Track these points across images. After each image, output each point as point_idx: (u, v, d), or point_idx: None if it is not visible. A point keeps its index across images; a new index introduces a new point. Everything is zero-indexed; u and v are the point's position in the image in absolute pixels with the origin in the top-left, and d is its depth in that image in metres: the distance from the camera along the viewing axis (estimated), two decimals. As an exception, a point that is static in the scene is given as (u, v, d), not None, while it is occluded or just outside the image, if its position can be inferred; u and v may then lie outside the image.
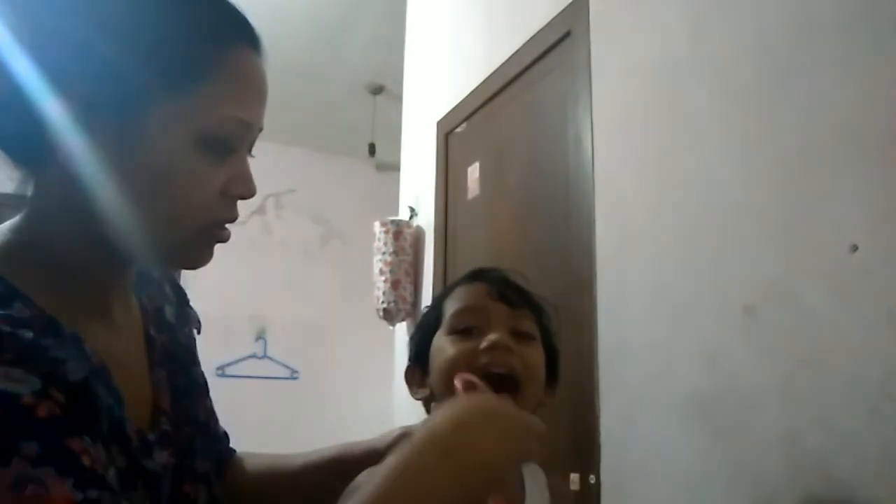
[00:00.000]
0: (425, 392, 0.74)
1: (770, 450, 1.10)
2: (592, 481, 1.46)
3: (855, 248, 1.01)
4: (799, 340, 1.08)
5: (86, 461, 0.43)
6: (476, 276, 0.76)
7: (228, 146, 0.56)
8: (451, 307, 0.72)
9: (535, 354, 0.71)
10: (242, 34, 0.57)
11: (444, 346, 0.69)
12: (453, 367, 0.66)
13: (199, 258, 0.58)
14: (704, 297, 1.27)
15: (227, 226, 0.59)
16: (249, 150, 0.61)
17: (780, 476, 1.08)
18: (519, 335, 0.70)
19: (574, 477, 1.53)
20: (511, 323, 0.70)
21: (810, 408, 1.05)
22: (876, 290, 0.98)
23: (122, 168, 0.53)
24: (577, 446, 1.55)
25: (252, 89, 0.57)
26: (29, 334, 0.45)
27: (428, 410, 0.75)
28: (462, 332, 0.68)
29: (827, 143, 1.07)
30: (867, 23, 1.04)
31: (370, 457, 0.75)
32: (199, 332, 0.74)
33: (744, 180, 1.22)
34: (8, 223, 0.56)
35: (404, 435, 0.77)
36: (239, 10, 0.58)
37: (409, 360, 0.78)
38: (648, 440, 1.36)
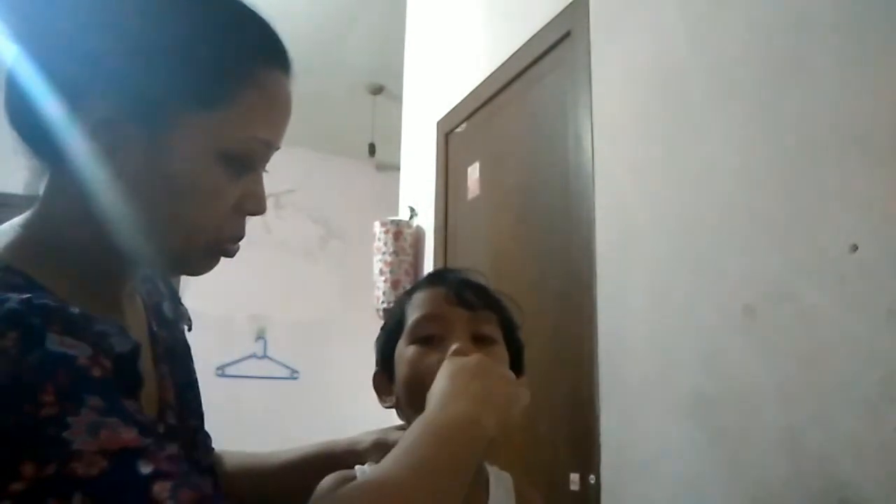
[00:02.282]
0: (392, 400, 0.75)
1: (770, 450, 1.10)
2: (592, 481, 1.46)
3: (855, 248, 1.01)
4: (799, 340, 1.08)
5: (140, 418, 0.46)
6: (435, 279, 0.77)
7: (248, 165, 0.57)
8: (411, 314, 0.73)
9: (497, 358, 0.71)
10: (276, 57, 0.58)
11: (406, 356, 0.70)
12: (416, 381, 0.67)
13: (203, 269, 0.59)
14: (704, 297, 1.27)
15: (239, 241, 0.60)
16: (264, 167, 0.62)
17: (780, 476, 1.08)
18: (479, 339, 0.71)
19: (574, 477, 1.53)
20: (471, 327, 0.71)
21: (810, 407, 1.05)
22: (876, 290, 0.98)
23: (142, 176, 0.53)
24: (577, 446, 1.54)
25: (279, 112, 0.58)
26: (75, 309, 0.46)
27: (400, 417, 0.76)
28: (423, 340, 0.70)
29: (827, 143, 1.07)
30: (867, 23, 1.04)
31: (350, 455, 0.77)
32: (189, 330, 0.75)
33: (744, 180, 1.22)
34: (18, 219, 0.57)
35: (382, 438, 0.78)
36: (276, 32, 0.59)
37: (377, 365, 0.78)
38: (648, 440, 1.36)
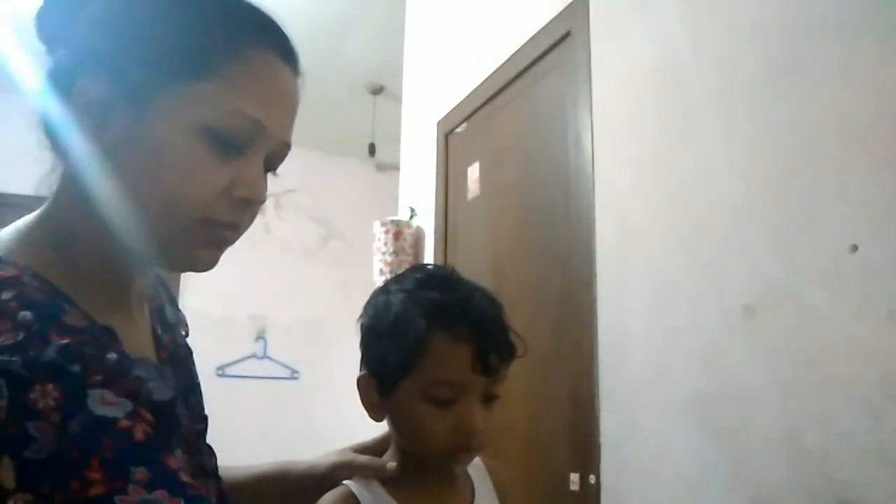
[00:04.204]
0: (380, 419, 0.74)
1: (770, 450, 1.10)
2: (592, 481, 1.46)
3: (855, 248, 1.01)
4: (799, 340, 1.08)
5: (184, 478, 0.46)
6: (461, 329, 0.69)
7: (235, 144, 0.54)
8: (431, 367, 0.68)
9: (494, 414, 0.72)
10: (268, 38, 0.57)
11: (418, 414, 0.69)
12: (424, 441, 0.69)
13: (198, 257, 0.57)
14: (704, 297, 1.27)
15: (241, 232, 0.58)
16: (274, 168, 0.61)
17: (780, 476, 1.08)
18: (488, 397, 0.71)
19: (574, 477, 1.53)
20: (485, 390, 0.70)
21: (810, 407, 1.05)
22: (876, 290, 0.98)
23: (127, 151, 0.53)
24: (577, 446, 1.55)
25: (267, 91, 0.56)
26: (113, 356, 0.47)
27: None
28: (437, 401, 0.69)
29: (827, 143, 1.07)
30: (867, 23, 1.04)
31: (309, 476, 0.76)
32: (186, 335, 0.74)
33: (744, 180, 1.22)
34: (32, 216, 0.57)
35: (344, 459, 0.77)
36: (270, 17, 0.58)
37: (364, 367, 0.74)
38: (648, 440, 1.36)
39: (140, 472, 0.43)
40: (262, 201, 0.57)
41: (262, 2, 0.59)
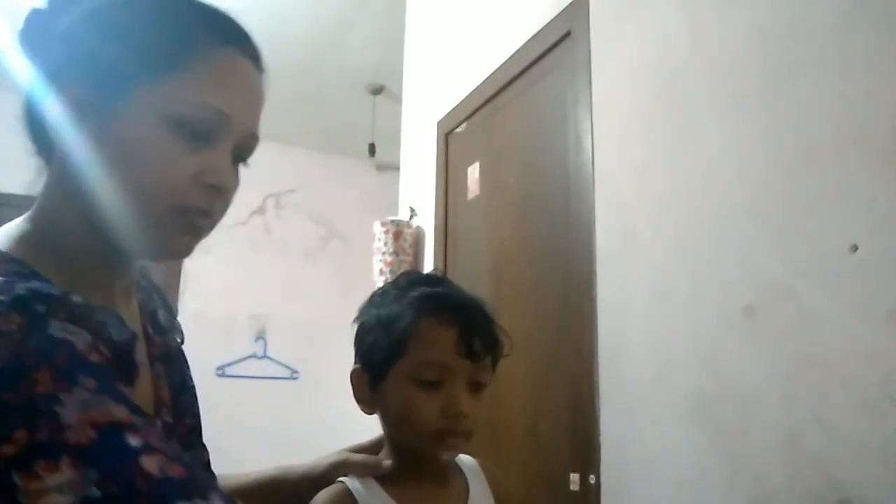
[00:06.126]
0: (371, 412, 0.76)
1: (770, 450, 1.10)
2: (592, 481, 1.46)
3: (855, 248, 1.01)
4: (799, 340, 1.08)
5: (134, 400, 0.48)
6: (445, 316, 0.73)
7: (202, 133, 0.58)
8: (418, 349, 0.72)
9: (481, 403, 0.75)
10: (227, 38, 0.61)
11: (406, 397, 0.72)
12: (412, 422, 0.72)
13: (174, 245, 0.59)
14: (704, 297, 1.27)
15: (214, 220, 0.61)
16: (244, 159, 0.64)
17: (780, 476, 1.08)
18: (475, 385, 0.73)
19: (574, 477, 1.53)
20: (470, 376, 0.73)
21: (810, 408, 1.05)
22: (876, 290, 0.98)
23: (100, 146, 0.56)
24: (577, 446, 1.55)
25: (230, 85, 0.60)
26: (77, 298, 0.49)
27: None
28: (425, 383, 0.72)
29: (827, 143, 1.08)
30: (867, 23, 1.04)
31: (307, 478, 0.77)
32: (182, 343, 0.76)
33: (744, 180, 1.22)
34: (25, 215, 0.60)
35: (340, 458, 0.78)
36: (230, 17, 0.62)
37: (357, 362, 0.78)
38: (648, 440, 1.36)
39: (89, 382, 0.44)
40: (231, 189, 0.61)
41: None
